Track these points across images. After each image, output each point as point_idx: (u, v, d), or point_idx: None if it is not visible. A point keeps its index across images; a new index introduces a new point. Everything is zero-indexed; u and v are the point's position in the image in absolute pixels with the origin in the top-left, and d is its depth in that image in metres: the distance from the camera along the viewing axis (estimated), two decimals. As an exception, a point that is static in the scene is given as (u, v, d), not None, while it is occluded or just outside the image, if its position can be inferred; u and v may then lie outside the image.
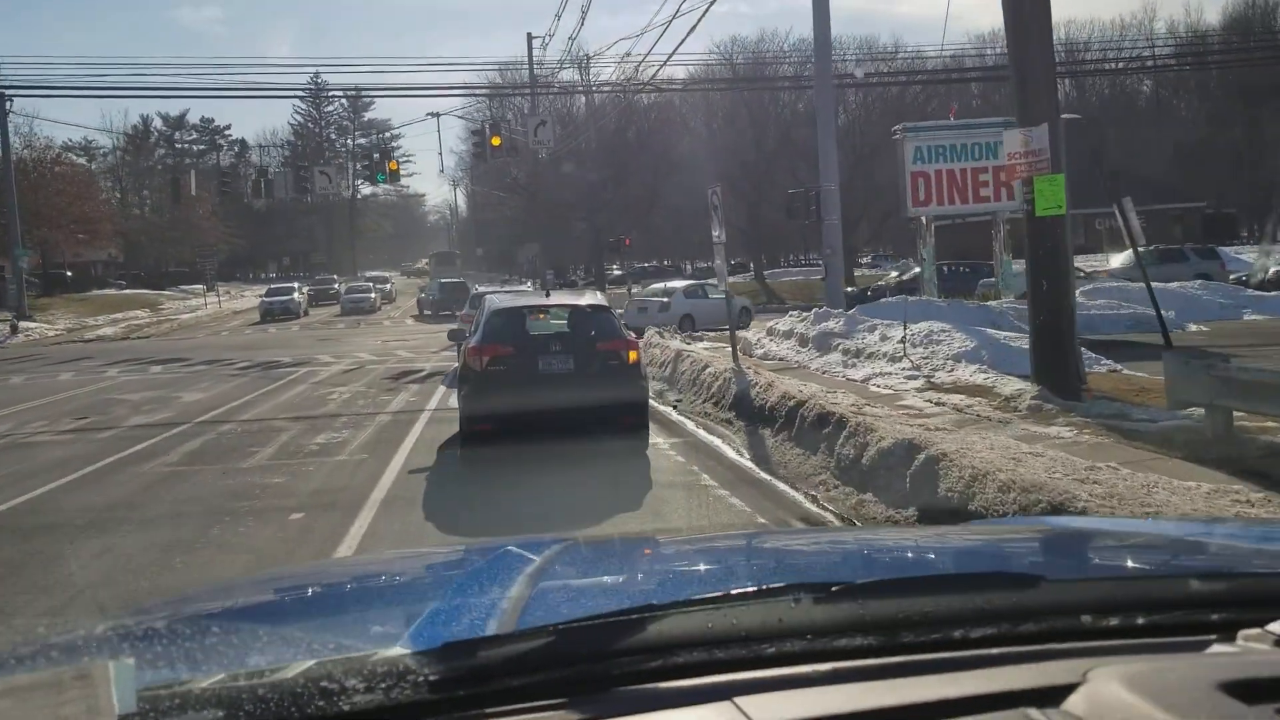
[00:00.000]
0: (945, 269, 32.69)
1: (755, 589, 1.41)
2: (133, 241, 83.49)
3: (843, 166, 54.31)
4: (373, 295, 51.61)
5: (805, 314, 20.36)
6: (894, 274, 41.73)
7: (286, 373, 22.28)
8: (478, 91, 49.58)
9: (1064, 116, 13.15)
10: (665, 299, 31.95)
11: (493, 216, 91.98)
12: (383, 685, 1.16)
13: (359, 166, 35.06)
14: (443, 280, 50.98)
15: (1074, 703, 1.12)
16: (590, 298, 13.91)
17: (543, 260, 52.19)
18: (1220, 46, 71.33)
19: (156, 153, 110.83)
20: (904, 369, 15.23)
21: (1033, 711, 1.12)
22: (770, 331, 20.26)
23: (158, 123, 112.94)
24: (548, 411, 10.84)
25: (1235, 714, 1.05)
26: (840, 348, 17.40)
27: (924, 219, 23.80)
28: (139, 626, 1.69)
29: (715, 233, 16.69)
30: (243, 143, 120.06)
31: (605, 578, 2.00)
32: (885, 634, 1.32)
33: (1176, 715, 1.04)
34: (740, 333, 20.25)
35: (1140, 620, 1.39)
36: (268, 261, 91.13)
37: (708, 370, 15.57)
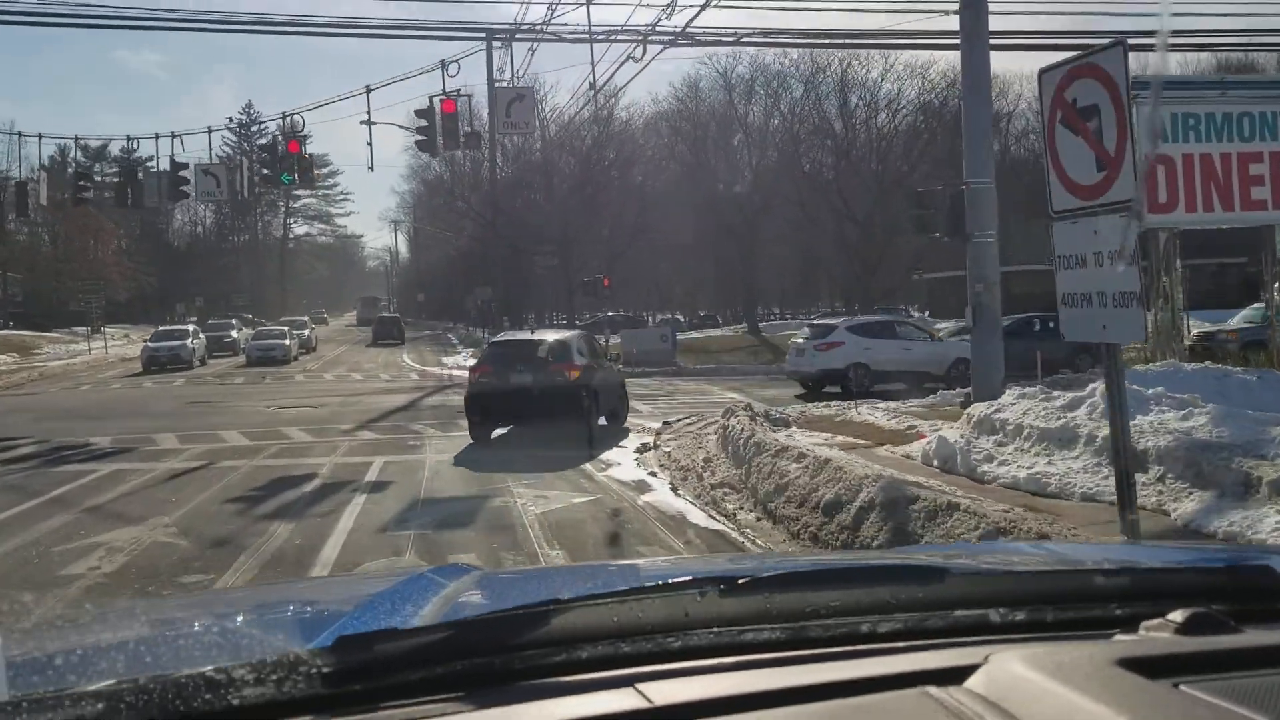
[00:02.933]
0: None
1: (661, 583, 1.40)
2: (34, 278, 73.23)
3: (864, 195, 46.17)
4: (287, 343, 41.71)
5: (1052, 392, 11.07)
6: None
7: (68, 477, 12.64)
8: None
9: None
10: (823, 341, 22.91)
11: (438, 257, 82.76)
12: (273, 678, 1.11)
13: (258, 169, 25.38)
14: (381, 316, 67.37)
15: (975, 681, 1.12)
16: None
17: (498, 306, 42.83)
18: None
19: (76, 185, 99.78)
20: None
21: (933, 689, 1.12)
22: (981, 424, 10.75)
23: (76, 154, 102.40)
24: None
25: (1136, 686, 1.06)
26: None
27: (1161, 234, 14.84)
28: (32, 637, 1.70)
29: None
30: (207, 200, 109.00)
31: (522, 588, 2.00)
32: (791, 626, 1.30)
33: (1076, 689, 1.04)
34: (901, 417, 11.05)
35: (1047, 616, 1.37)
36: (183, 304, 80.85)
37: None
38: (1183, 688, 1.08)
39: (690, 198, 48.55)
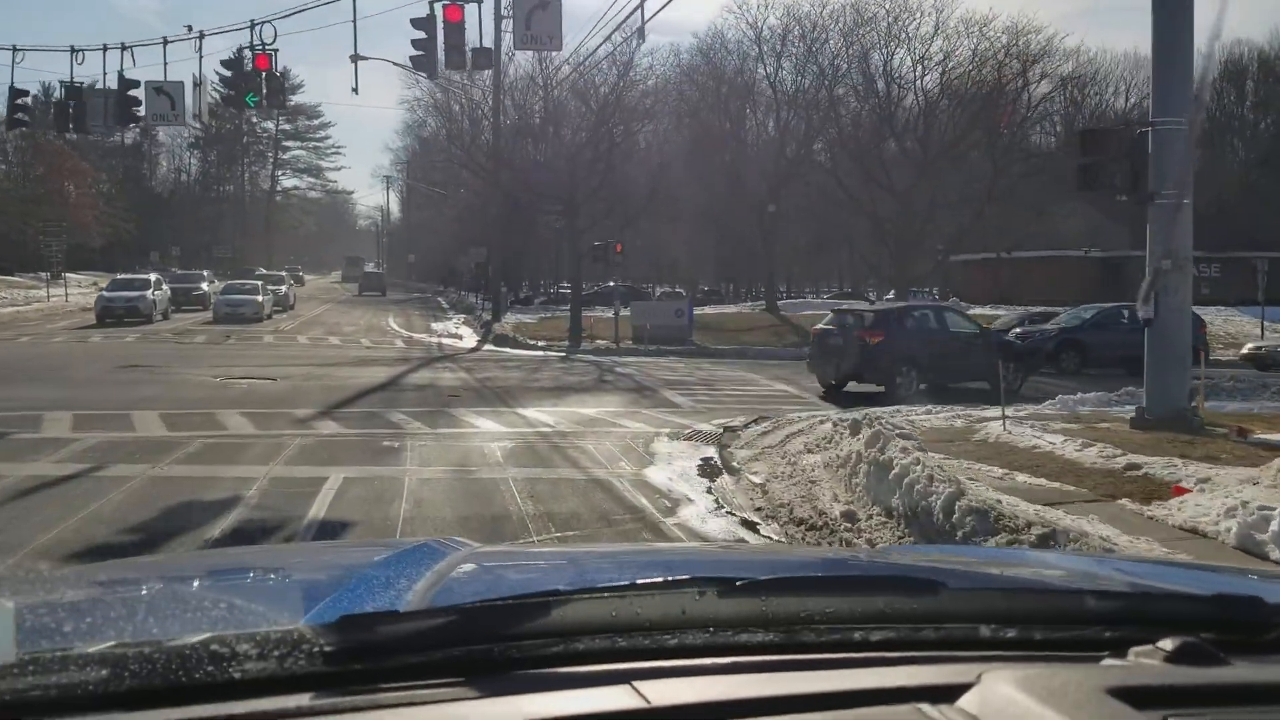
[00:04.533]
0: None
1: (660, 580, 1.42)
2: (3, 220, 68.63)
3: (907, 167, 41.84)
4: (258, 299, 37.31)
5: None
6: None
7: None
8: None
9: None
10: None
11: (431, 217, 78.34)
12: (276, 654, 1.12)
13: (219, 88, 21.15)
14: (366, 271, 76.23)
15: (967, 700, 1.13)
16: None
17: (497, 269, 38.59)
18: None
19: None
20: None
21: (925, 706, 1.13)
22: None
23: (60, 93, 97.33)
24: None
25: (1123, 715, 1.07)
26: None
27: None
28: (37, 592, 1.73)
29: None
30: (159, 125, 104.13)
31: (519, 574, 2.01)
32: (786, 630, 1.32)
33: (1066, 715, 1.05)
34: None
35: (1037, 635, 1.39)
36: (158, 253, 76.17)
37: None
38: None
39: (708, 161, 44.21)
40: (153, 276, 39.29)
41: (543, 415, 14.27)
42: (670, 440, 12.33)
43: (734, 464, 10.15)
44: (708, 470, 10.32)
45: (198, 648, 1.11)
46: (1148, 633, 1.34)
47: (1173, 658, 1.27)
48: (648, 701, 1.13)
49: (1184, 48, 11.50)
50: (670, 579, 1.42)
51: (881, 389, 18.05)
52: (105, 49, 22.86)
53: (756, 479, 9.42)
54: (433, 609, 1.31)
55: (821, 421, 12.38)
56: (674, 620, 1.29)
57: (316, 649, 1.13)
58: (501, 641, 1.22)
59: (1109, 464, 8.57)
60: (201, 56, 21.01)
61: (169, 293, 39.19)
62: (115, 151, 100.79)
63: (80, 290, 51.15)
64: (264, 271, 55.06)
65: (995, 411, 14.49)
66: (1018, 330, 25.24)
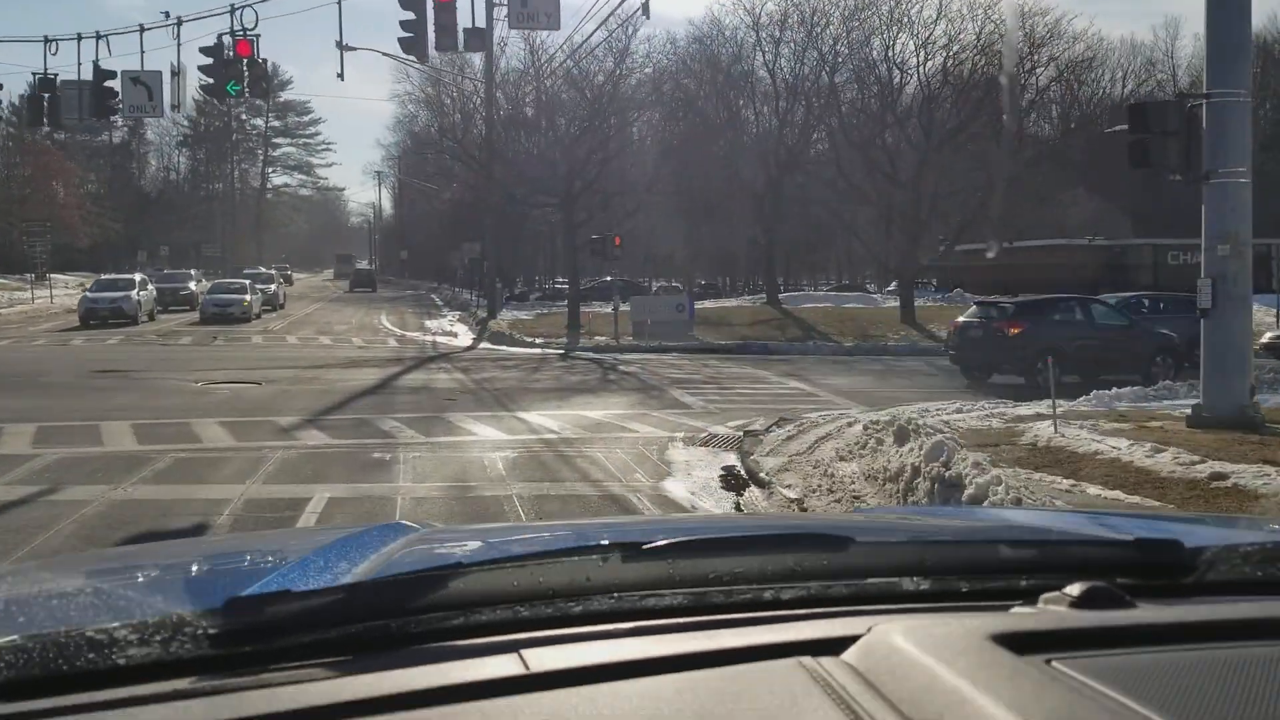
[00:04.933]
0: None
1: (564, 549, 1.40)
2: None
3: (910, 155, 40.75)
4: (246, 299, 36.20)
5: None
6: None
7: None
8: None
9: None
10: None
11: (423, 213, 77.27)
12: (158, 638, 1.11)
13: (200, 78, 20.20)
14: (356, 269, 78.15)
15: (850, 653, 1.14)
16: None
17: (492, 265, 37.55)
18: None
19: (45, 127, 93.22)
20: None
21: (807, 660, 1.14)
22: None
23: (33, 86, 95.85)
24: None
25: (1000, 661, 1.06)
26: None
27: None
28: None
29: None
30: (138, 118, 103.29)
31: (461, 551, 1.86)
32: (693, 592, 1.30)
33: (943, 663, 1.06)
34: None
35: (952, 587, 1.37)
36: (146, 252, 74.87)
37: None
38: (1055, 664, 1.06)
39: (706, 152, 43.13)
40: (138, 277, 38.13)
41: (546, 420, 13.29)
42: (686, 446, 11.36)
43: (762, 475, 9.16)
44: (733, 482, 9.35)
45: (75, 636, 1.10)
46: (1062, 580, 1.31)
47: (1077, 603, 1.25)
48: (527, 668, 1.12)
49: (1242, 11, 10.54)
50: (577, 545, 1.41)
51: (1022, 381, 17.80)
52: (80, 38, 21.83)
53: (790, 493, 8.44)
54: (326, 588, 1.29)
55: (849, 424, 11.40)
56: (579, 587, 1.27)
57: (200, 632, 1.11)
58: (399, 616, 1.20)
59: (1189, 473, 7.60)
60: (180, 44, 19.86)
61: (155, 293, 38.09)
62: (103, 151, 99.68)
63: (66, 291, 50.07)
64: (251, 270, 53.73)
65: (1029, 409, 13.57)
66: (1033, 321, 24.25)
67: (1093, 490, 7.38)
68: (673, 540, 1.39)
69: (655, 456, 10.73)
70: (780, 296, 45.72)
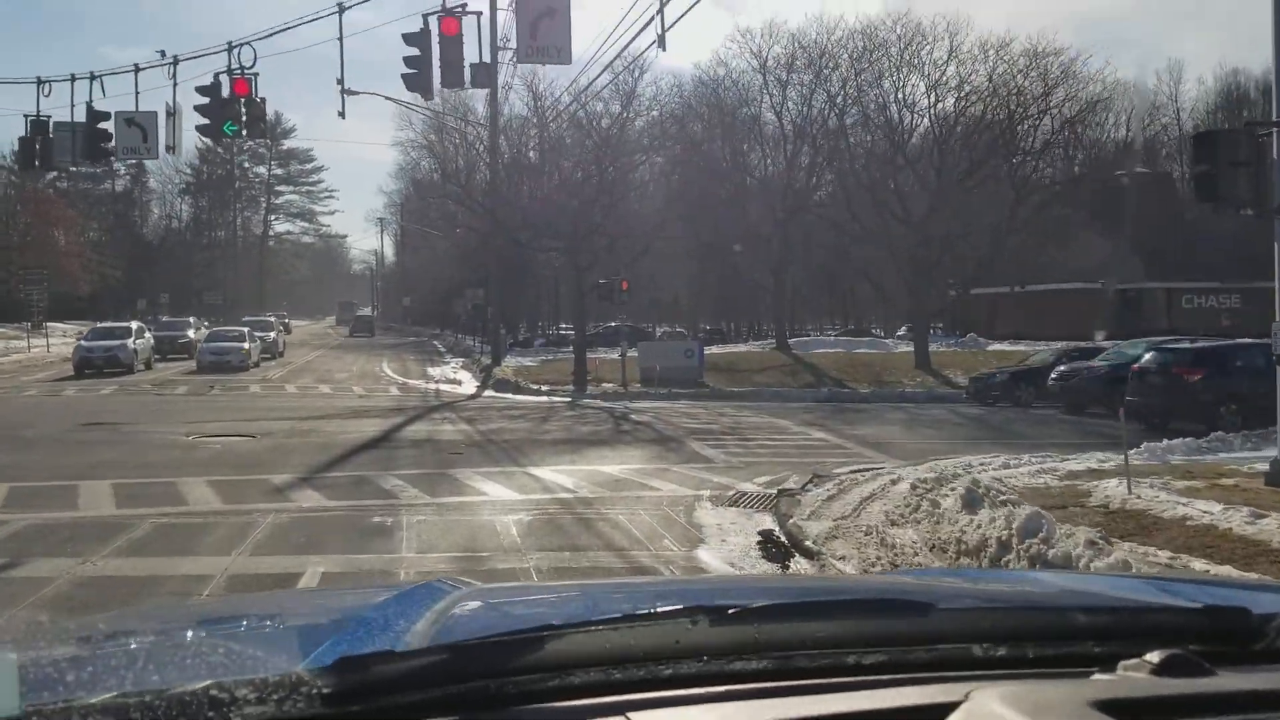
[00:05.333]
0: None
1: (653, 611, 1.42)
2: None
3: (919, 197, 40.08)
4: (244, 347, 35.29)
5: None
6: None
7: None
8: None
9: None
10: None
11: (425, 259, 76.74)
12: (275, 697, 1.13)
13: (197, 120, 19.46)
14: (356, 315, 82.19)
15: (956, 719, 1.15)
16: None
17: (496, 310, 36.71)
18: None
19: (48, 175, 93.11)
20: None
21: None
22: None
23: (26, 128, 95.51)
24: None
25: None
26: None
27: None
28: (38, 644, 1.76)
29: None
30: (140, 166, 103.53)
31: (521, 610, 1.99)
32: (779, 657, 1.32)
33: None
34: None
35: (1026, 652, 1.39)
36: (146, 300, 74.09)
37: None
38: None
39: (712, 195, 42.48)
40: (134, 325, 37.26)
41: (559, 476, 12.34)
42: (715, 507, 10.41)
43: (808, 543, 8.19)
44: (774, 550, 8.38)
45: (198, 694, 1.12)
46: (1136, 647, 1.34)
47: (1159, 670, 1.28)
48: None
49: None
50: (664, 609, 1.42)
51: (1202, 428, 16.61)
52: (74, 79, 21.14)
53: (846, 566, 7.46)
54: (428, 648, 1.33)
55: (893, 481, 10.46)
56: (668, 650, 1.30)
57: (315, 691, 1.14)
58: (497, 677, 1.23)
59: (1308, 544, 6.66)
60: (176, 84, 19.19)
61: (152, 341, 37.22)
62: (106, 199, 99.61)
63: (64, 340, 49.27)
64: (250, 318, 52.78)
65: (1080, 463, 12.64)
66: (1061, 368, 23.36)
67: (1199, 565, 6.43)
68: (760, 604, 1.44)
69: (683, 519, 9.78)
70: (789, 341, 44.87)
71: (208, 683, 1.15)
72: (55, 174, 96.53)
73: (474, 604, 1.87)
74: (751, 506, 10.42)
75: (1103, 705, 1.13)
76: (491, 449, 15.29)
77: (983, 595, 2.04)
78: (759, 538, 8.88)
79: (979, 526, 7.09)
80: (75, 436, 15.89)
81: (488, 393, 28.63)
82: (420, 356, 47.01)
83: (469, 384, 31.79)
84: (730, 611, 1.37)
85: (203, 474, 12.08)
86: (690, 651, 1.30)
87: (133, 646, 1.71)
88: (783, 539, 8.73)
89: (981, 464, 12.33)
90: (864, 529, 8.50)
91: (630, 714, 1.17)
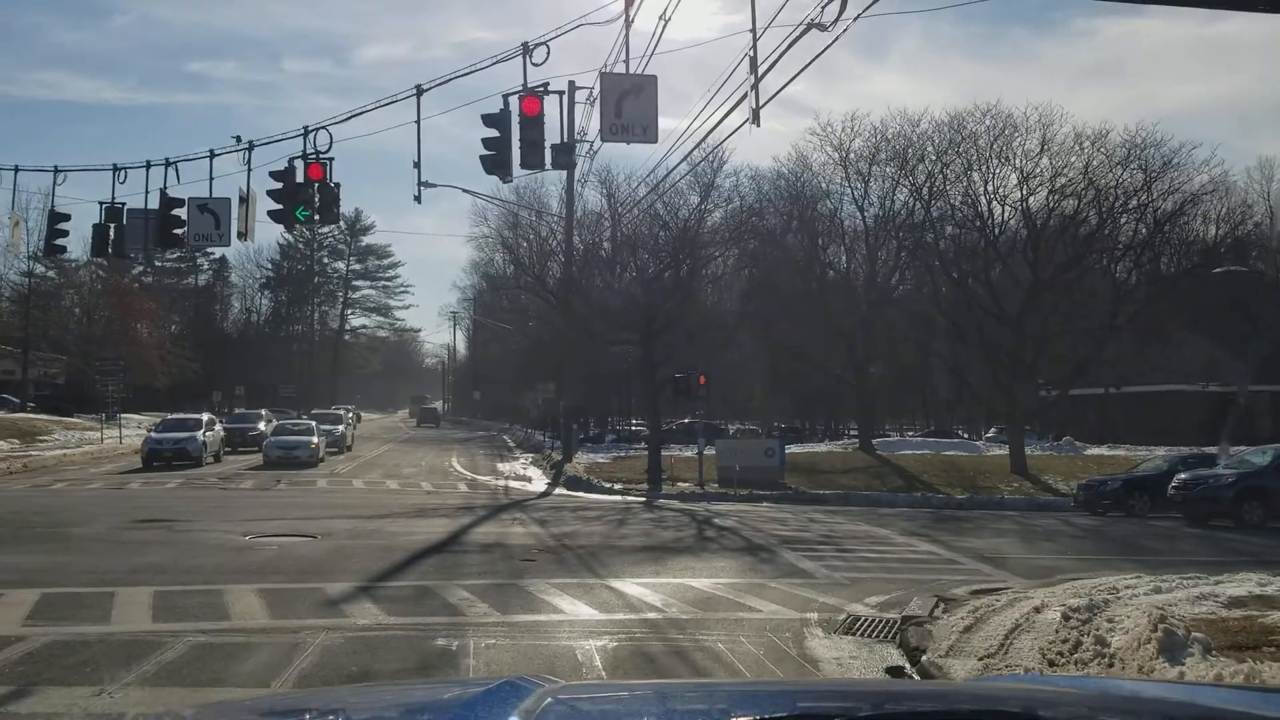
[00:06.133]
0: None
1: (760, 718, 1.31)
2: (73, 360, 68.19)
3: (1012, 294, 38.60)
4: (313, 441, 34.60)
5: None
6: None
7: None
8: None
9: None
10: None
11: (497, 353, 76.59)
12: None
13: (261, 205, 19.00)
14: (423, 408, 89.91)
15: None
16: None
17: (568, 405, 35.71)
18: None
19: (134, 269, 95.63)
20: None
21: None
22: None
23: (101, 216, 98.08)
24: None
25: None
26: None
27: None
28: None
29: None
30: (223, 260, 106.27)
31: (611, 707, 1.99)
32: None
33: None
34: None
35: None
36: (221, 392, 74.62)
37: None
38: None
39: (791, 289, 41.37)
40: (205, 417, 36.94)
41: (644, 591, 11.00)
42: (827, 635, 8.99)
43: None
44: None
45: None
46: None
47: None
48: None
49: None
50: (770, 716, 1.40)
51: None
52: (149, 165, 20.89)
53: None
54: None
55: (1036, 609, 8.95)
56: None
57: None
58: None
59: None
60: (250, 169, 18.69)
61: (222, 433, 36.80)
62: (189, 293, 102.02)
63: (138, 431, 49.23)
64: (319, 410, 52.22)
65: (1238, 586, 10.98)
66: (1182, 476, 21.48)
67: None
68: (868, 714, 1.44)
69: (793, 650, 8.37)
70: (872, 442, 43.11)
71: None
72: (140, 268, 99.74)
73: (564, 703, 1.84)
74: (870, 634, 8.98)
75: None
76: (566, 556, 14.00)
77: (1080, 700, 2.04)
78: (886, 677, 7.45)
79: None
80: (126, 535, 14.94)
81: (559, 490, 27.44)
82: (489, 451, 46.08)
83: (539, 481, 30.66)
84: (859, 716, 1.34)
85: (254, 581, 10.96)
86: None
87: None
88: (916, 679, 7.28)
89: (1127, 586, 10.73)
90: (1019, 670, 7.03)
91: None
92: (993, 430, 51.59)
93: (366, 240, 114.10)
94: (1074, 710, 1.82)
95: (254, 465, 34.29)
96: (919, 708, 1.87)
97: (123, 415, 52.75)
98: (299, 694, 3.90)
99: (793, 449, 39.90)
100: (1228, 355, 48.71)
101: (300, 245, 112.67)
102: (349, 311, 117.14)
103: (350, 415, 60.44)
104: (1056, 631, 8.01)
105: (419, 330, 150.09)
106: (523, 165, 14.60)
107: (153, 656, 7.55)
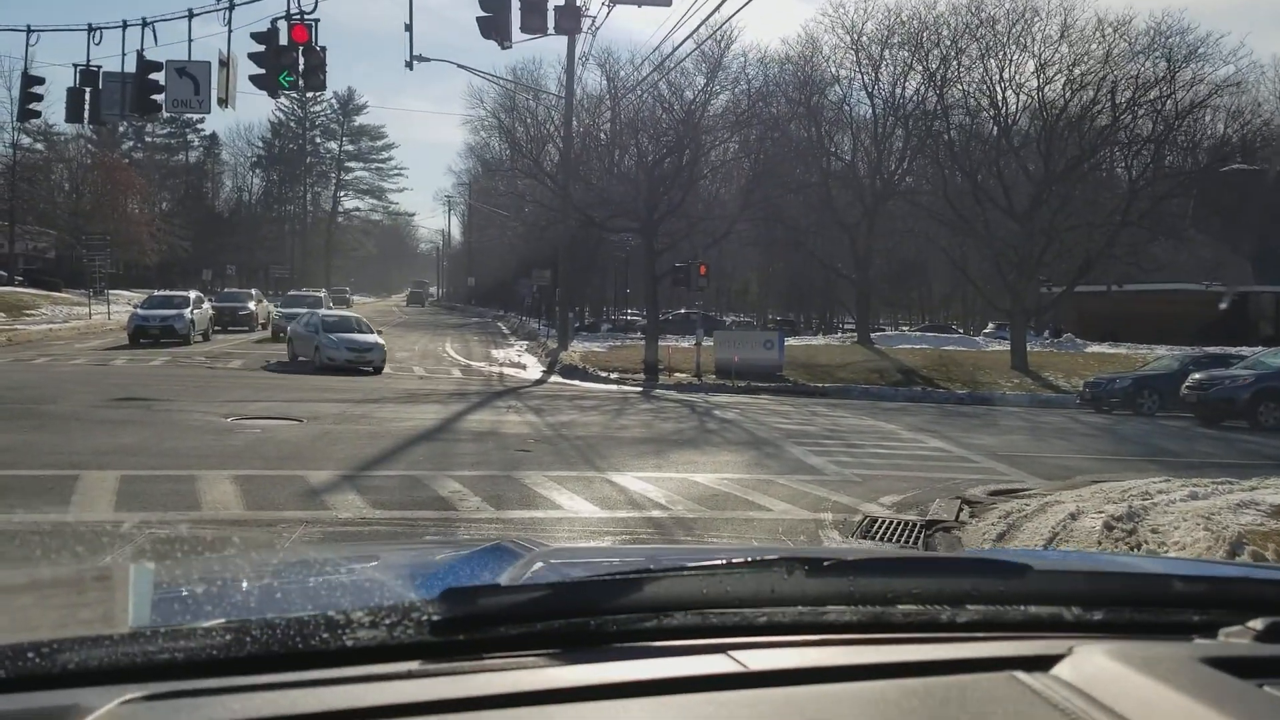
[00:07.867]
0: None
1: (749, 560, 1.43)
2: (62, 235, 66.92)
3: (1023, 187, 37.48)
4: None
5: None
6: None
7: None
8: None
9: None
10: None
11: (492, 240, 75.29)
12: (386, 622, 1.16)
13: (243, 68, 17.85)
14: (413, 290, 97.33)
15: (1062, 669, 1.13)
16: None
17: (564, 292, 34.81)
18: None
19: (124, 144, 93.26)
20: None
21: (1020, 674, 1.13)
22: None
23: (75, 79, 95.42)
24: None
25: (1224, 683, 1.07)
26: None
27: None
28: (169, 571, 1.90)
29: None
30: (213, 137, 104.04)
31: (606, 562, 2.00)
32: (873, 609, 1.32)
33: (1166, 682, 1.06)
34: None
35: (1124, 617, 1.38)
36: (212, 271, 73.47)
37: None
38: (1267, 688, 1.08)
39: (796, 179, 40.14)
40: (193, 294, 36.05)
41: (647, 487, 10.35)
42: (844, 538, 8.38)
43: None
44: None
45: (315, 616, 1.16)
46: (1235, 616, 1.33)
47: (1263, 636, 1.27)
48: (745, 667, 1.15)
49: None
50: (758, 559, 1.42)
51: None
52: (125, 25, 19.63)
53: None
54: (533, 584, 1.36)
55: (1072, 516, 8.31)
56: (764, 597, 1.30)
57: (424, 618, 1.17)
58: (598, 615, 1.24)
59: None
60: (231, 31, 17.53)
61: (211, 311, 35.98)
62: (179, 170, 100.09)
63: (127, 308, 48.47)
64: (294, 293, 50.15)
65: (1253, 493, 10.37)
66: (1197, 376, 20.84)
67: None
68: (856, 559, 1.42)
69: (810, 554, 7.75)
70: (870, 336, 42.46)
71: (325, 608, 1.18)
72: (130, 143, 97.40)
73: (557, 559, 1.84)
74: (890, 539, 8.37)
75: (1212, 662, 1.12)
76: (563, 446, 13.36)
77: (1078, 561, 2.10)
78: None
79: None
80: (101, 414, 14.25)
81: (554, 378, 26.81)
82: (484, 337, 45.41)
83: (534, 368, 30.03)
84: (825, 563, 1.35)
85: (231, 467, 10.29)
86: (785, 599, 1.29)
87: (247, 582, 1.74)
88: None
89: (1160, 492, 10.09)
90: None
91: (732, 652, 1.17)
92: (990, 326, 50.93)
93: (360, 120, 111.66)
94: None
95: (245, 343, 33.62)
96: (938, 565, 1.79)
97: (112, 291, 51.79)
98: (275, 553, 3.38)
99: (790, 341, 39.29)
100: (1230, 255, 47.82)
101: (292, 124, 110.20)
102: (342, 193, 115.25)
103: (342, 298, 59.09)
104: (1099, 543, 7.40)
105: (413, 214, 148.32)
106: (523, 29, 13.58)
107: (106, 553, 6.88)
